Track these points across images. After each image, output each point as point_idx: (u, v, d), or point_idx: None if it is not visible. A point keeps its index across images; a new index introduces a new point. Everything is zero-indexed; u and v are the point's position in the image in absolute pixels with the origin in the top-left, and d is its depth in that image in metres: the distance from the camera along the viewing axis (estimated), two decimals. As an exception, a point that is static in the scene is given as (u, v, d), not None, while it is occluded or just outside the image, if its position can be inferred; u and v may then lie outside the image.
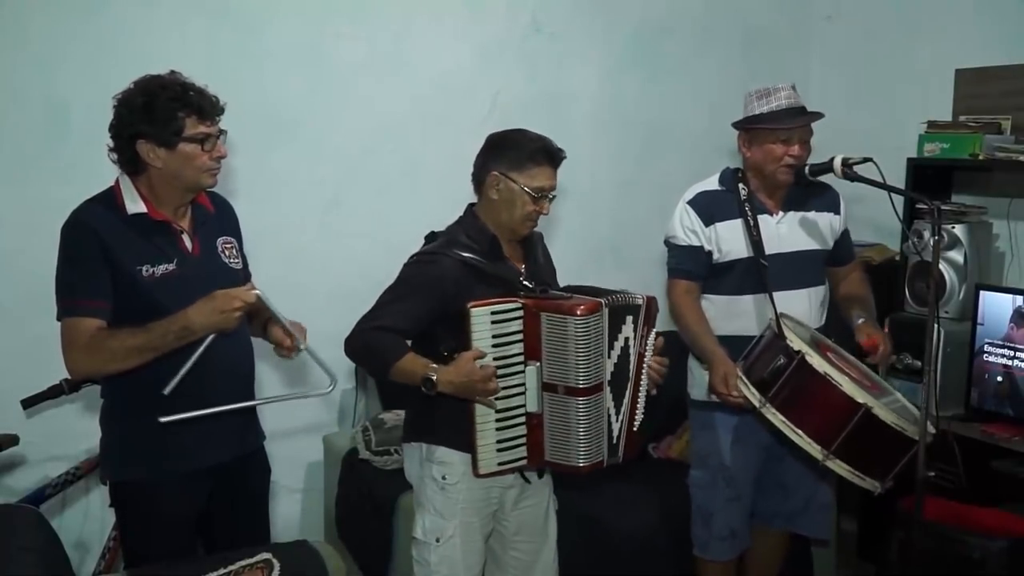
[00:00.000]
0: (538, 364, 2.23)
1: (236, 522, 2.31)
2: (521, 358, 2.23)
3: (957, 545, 2.69)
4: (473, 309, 2.17)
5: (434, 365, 2.17)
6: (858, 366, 2.62)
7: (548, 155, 2.27)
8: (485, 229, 2.30)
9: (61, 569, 2.16)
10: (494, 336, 2.20)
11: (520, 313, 2.21)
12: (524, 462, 2.30)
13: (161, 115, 2.03)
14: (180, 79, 2.10)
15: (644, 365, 2.36)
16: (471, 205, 2.37)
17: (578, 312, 2.16)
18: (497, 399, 2.21)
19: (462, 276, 2.22)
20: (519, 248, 2.38)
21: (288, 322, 2.16)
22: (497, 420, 2.23)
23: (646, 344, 2.37)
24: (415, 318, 2.22)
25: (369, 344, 2.22)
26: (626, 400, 2.34)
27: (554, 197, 2.31)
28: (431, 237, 2.36)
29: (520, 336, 2.22)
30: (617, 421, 2.32)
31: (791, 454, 2.66)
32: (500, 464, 2.27)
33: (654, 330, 2.39)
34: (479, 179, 2.32)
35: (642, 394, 2.38)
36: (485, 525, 2.36)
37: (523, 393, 2.25)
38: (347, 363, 2.29)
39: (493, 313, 2.19)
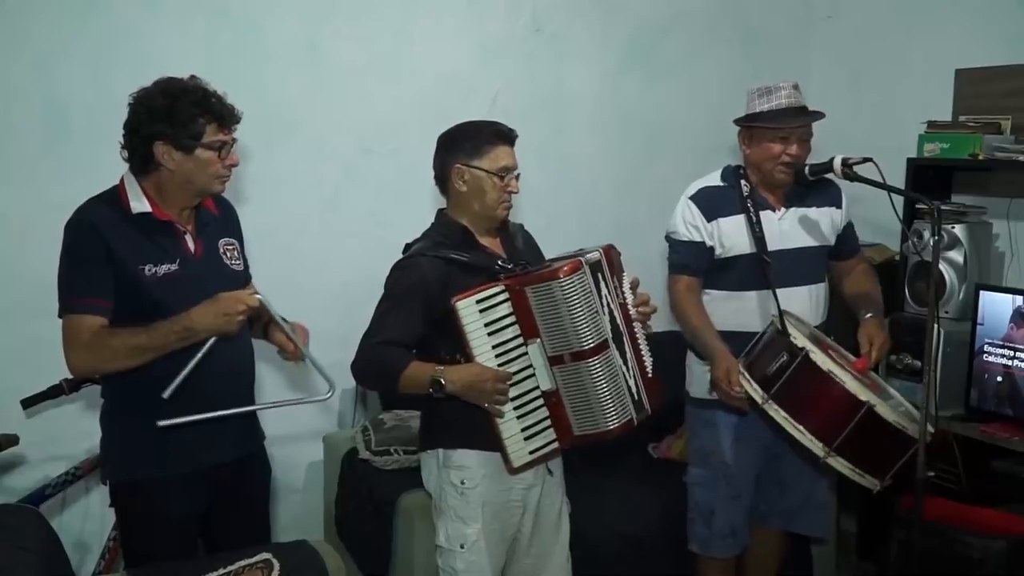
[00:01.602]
0: (538, 340, 2.20)
1: (236, 522, 2.32)
2: (520, 340, 2.22)
3: (957, 545, 2.68)
4: (458, 303, 2.16)
5: (440, 367, 2.16)
6: (857, 364, 2.62)
7: (502, 135, 2.31)
8: (455, 224, 2.32)
9: (61, 569, 2.17)
10: (486, 325, 2.19)
11: (505, 295, 2.20)
12: (556, 445, 2.27)
13: (183, 119, 2.04)
14: (201, 84, 2.11)
15: (629, 310, 2.35)
16: (440, 209, 2.39)
17: (561, 275, 2.15)
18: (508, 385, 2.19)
19: (443, 273, 2.23)
20: (496, 237, 2.39)
21: (290, 326, 2.16)
22: (516, 408, 2.22)
23: (623, 292, 2.35)
24: (411, 326, 2.21)
25: (373, 361, 2.21)
26: (629, 353, 2.31)
27: (519, 175, 2.33)
28: (407, 249, 2.36)
29: (512, 318, 2.21)
30: (631, 376, 2.29)
31: (789, 451, 2.66)
32: (532, 452, 2.24)
33: (624, 275, 2.38)
34: (442, 178, 2.34)
35: (641, 339, 2.37)
36: (508, 528, 2.35)
37: (533, 375, 2.23)
38: (346, 365, 2.28)
39: (478, 302, 2.18)
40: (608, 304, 2.27)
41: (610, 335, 2.23)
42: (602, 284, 2.26)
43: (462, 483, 2.28)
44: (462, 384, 2.15)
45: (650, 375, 2.37)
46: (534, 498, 2.37)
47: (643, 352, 2.37)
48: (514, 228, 2.46)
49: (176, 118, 2.04)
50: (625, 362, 2.28)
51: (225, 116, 2.09)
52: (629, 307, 2.36)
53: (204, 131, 2.06)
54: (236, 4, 3.07)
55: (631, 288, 2.39)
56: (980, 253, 3.23)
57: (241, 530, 2.30)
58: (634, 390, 2.29)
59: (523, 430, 2.23)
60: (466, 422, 2.23)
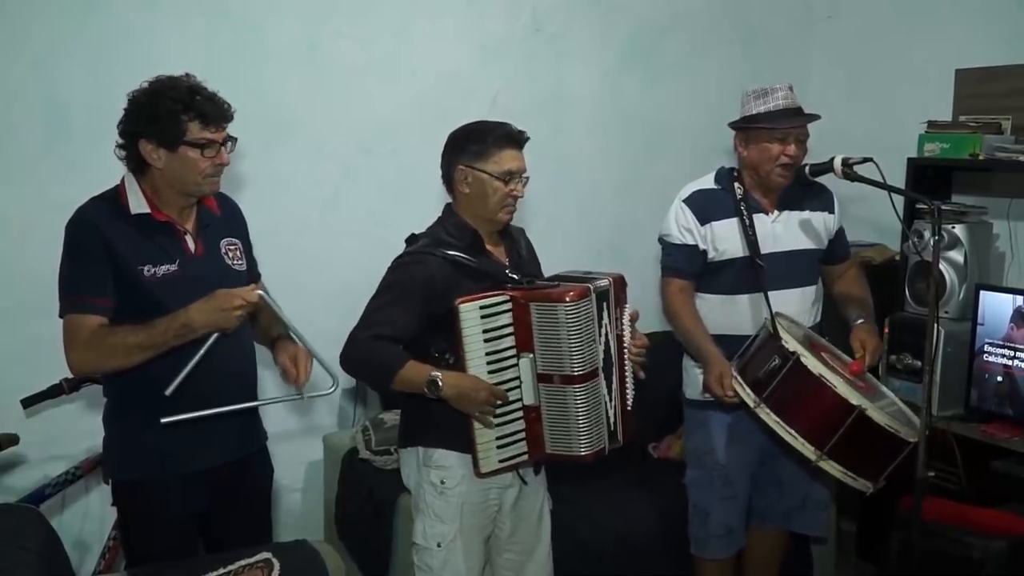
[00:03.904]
0: (531, 355, 2.21)
1: (237, 522, 2.32)
2: (514, 351, 2.22)
3: (957, 545, 2.68)
4: (461, 306, 2.15)
5: (436, 371, 2.16)
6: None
7: (510, 138, 2.27)
8: (465, 225, 2.30)
9: (61, 569, 2.17)
10: (484, 331, 2.18)
11: (509, 306, 2.20)
12: (525, 457, 2.28)
13: (164, 116, 2.03)
14: (190, 82, 2.10)
15: (624, 343, 2.35)
16: (449, 204, 2.37)
17: (567, 299, 2.15)
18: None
19: (449, 274, 2.22)
20: (501, 243, 2.38)
21: (293, 352, 2.18)
22: (495, 416, 2.22)
23: (622, 323, 2.36)
24: (409, 322, 2.20)
25: (369, 356, 2.19)
26: (615, 382, 2.32)
27: (527, 179, 2.31)
28: (412, 239, 2.35)
29: (511, 329, 2.21)
30: (612, 406, 2.31)
31: (786, 452, 2.66)
32: (501, 461, 2.25)
33: (627, 306, 2.38)
34: (448, 177, 2.32)
35: (629, 372, 2.38)
36: (485, 527, 2.36)
37: (519, 387, 2.24)
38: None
39: (482, 308, 2.17)
40: (606, 333, 2.28)
41: (601, 364, 2.25)
42: (605, 313, 2.27)
43: (442, 483, 2.28)
44: (458, 391, 2.15)
45: (628, 408, 2.38)
46: (511, 498, 2.38)
47: (628, 384, 2.38)
48: (516, 232, 2.45)
49: (158, 116, 2.03)
50: (609, 391, 2.30)
51: (208, 114, 2.06)
52: (625, 340, 2.36)
53: (187, 129, 2.05)
54: (236, 4, 3.07)
55: (631, 321, 2.39)
56: (980, 253, 3.23)
57: (241, 530, 2.30)
58: (612, 420, 2.31)
59: (498, 438, 2.24)
60: (447, 423, 2.23)
